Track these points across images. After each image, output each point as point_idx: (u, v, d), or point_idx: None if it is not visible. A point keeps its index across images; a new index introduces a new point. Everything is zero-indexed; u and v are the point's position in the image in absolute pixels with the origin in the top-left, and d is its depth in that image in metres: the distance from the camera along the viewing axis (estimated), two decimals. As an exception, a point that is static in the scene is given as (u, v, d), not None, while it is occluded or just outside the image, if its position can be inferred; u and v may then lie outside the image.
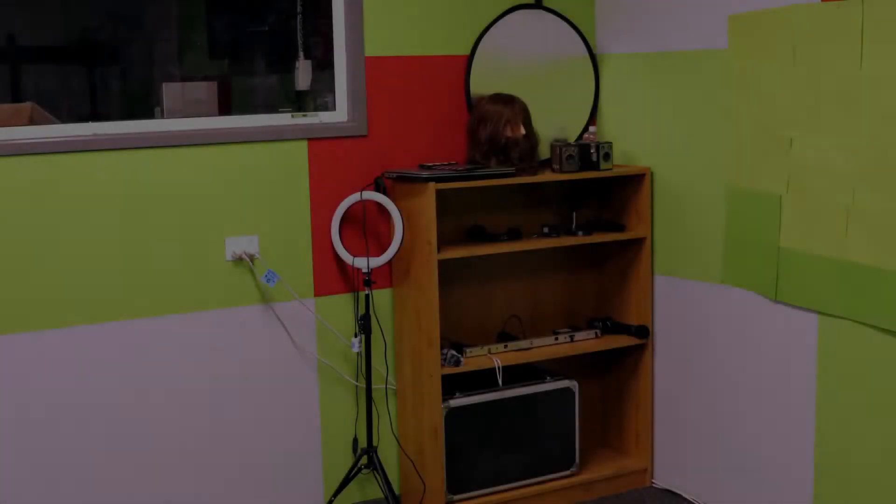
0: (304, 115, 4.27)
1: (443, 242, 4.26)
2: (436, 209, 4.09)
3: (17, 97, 5.18)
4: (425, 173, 4.10)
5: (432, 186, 4.07)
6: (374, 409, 4.30)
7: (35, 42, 5.41)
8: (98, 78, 5.44)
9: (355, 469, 4.26)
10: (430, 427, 4.23)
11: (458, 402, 4.27)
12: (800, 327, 3.88)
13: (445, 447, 4.23)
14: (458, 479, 4.29)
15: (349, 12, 4.21)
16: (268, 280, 4.09)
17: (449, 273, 4.37)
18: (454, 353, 4.23)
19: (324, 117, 4.27)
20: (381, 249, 4.28)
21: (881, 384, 3.60)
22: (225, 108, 4.90)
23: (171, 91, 4.68)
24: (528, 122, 4.39)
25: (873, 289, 3.56)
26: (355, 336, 4.24)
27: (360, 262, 4.19)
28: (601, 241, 4.51)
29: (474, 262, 4.48)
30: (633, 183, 4.53)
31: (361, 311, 4.22)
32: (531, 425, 4.42)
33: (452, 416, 4.25)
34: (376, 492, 4.37)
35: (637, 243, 4.56)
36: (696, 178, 4.31)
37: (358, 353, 4.28)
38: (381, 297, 4.36)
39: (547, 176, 4.38)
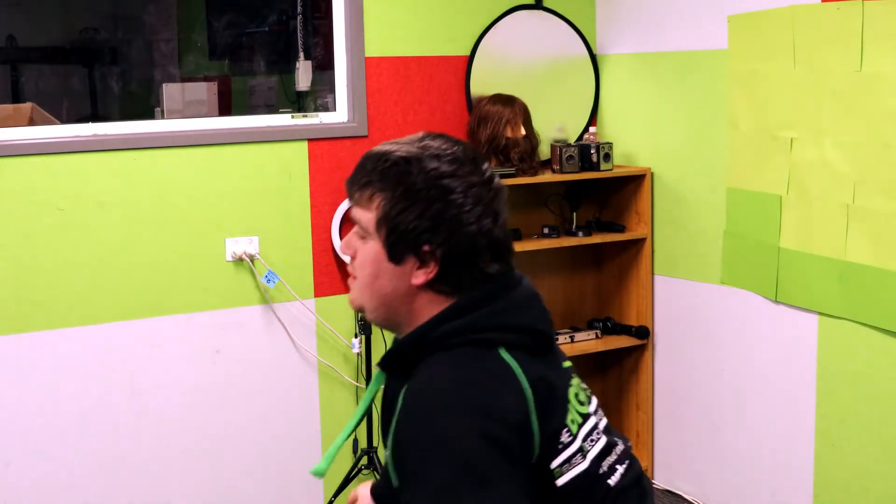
0: (305, 116, 4.27)
1: (443, 243, 4.25)
2: (436, 210, 4.09)
3: (17, 98, 5.19)
4: (425, 174, 4.09)
5: (432, 187, 4.06)
6: (374, 409, 4.29)
7: (35, 43, 5.42)
8: (98, 78, 5.45)
9: (355, 469, 4.25)
10: (431, 427, 4.22)
11: (459, 402, 4.26)
12: (800, 328, 3.88)
13: (446, 448, 4.23)
14: (458, 480, 4.28)
15: (349, 13, 4.20)
16: (268, 281, 4.09)
17: (449, 273, 4.36)
18: (454, 353, 4.22)
19: (324, 118, 4.27)
20: (382, 250, 4.27)
21: (881, 384, 3.60)
22: (225, 109, 4.90)
23: (170, 92, 4.67)
24: (528, 122, 4.39)
25: (873, 289, 3.56)
26: (355, 336, 4.24)
27: (361, 263, 4.18)
28: (601, 241, 4.51)
29: (474, 262, 4.48)
30: (633, 183, 4.53)
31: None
32: (531, 426, 4.41)
33: (453, 416, 4.24)
34: (376, 492, 4.36)
35: (637, 244, 4.56)
36: (696, 179, 4.31)
37: (358, 353, 4.28)
38: (382, 298, 4.35)
39: (547, 176, 4.38)
